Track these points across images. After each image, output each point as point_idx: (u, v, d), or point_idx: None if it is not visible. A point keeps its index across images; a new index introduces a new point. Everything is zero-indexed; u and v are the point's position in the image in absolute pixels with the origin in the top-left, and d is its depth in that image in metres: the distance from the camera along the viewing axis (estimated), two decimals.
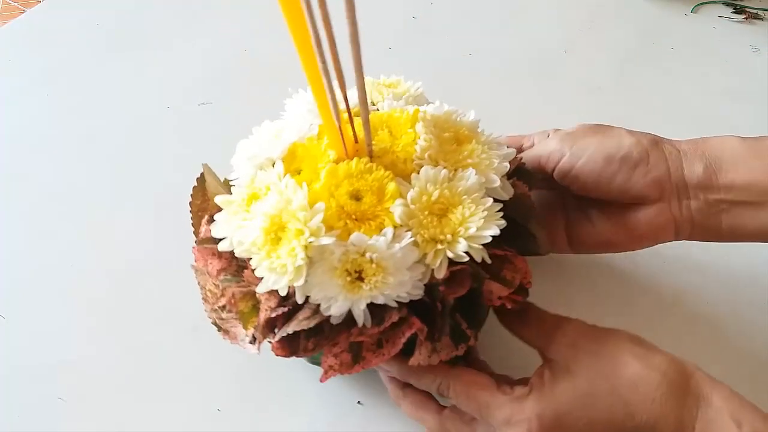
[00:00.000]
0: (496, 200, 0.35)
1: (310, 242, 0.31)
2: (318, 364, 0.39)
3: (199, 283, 0.39)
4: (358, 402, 0.42)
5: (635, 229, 0.39)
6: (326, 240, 0.31)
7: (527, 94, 0.64)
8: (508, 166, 0.36)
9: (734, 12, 0.75)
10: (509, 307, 0.35)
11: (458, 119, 0.38)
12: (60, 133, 0.59)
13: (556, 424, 0.31)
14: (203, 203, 0.40)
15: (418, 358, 0.33)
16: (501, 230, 0.33)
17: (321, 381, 0.33)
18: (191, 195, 0.40)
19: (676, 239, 0.39)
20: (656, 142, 0.38)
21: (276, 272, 0.31)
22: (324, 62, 0.29)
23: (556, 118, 0.62)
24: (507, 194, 0.36)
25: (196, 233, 0.39)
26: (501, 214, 0.34)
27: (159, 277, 0.48)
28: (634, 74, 0.67)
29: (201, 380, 0.43)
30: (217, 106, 0.61)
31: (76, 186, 0.54)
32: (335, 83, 0.31)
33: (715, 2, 0.76)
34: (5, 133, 0.59)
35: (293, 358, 0.35)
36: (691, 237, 0.39)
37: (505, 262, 0.35)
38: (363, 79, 0.30)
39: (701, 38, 0.72)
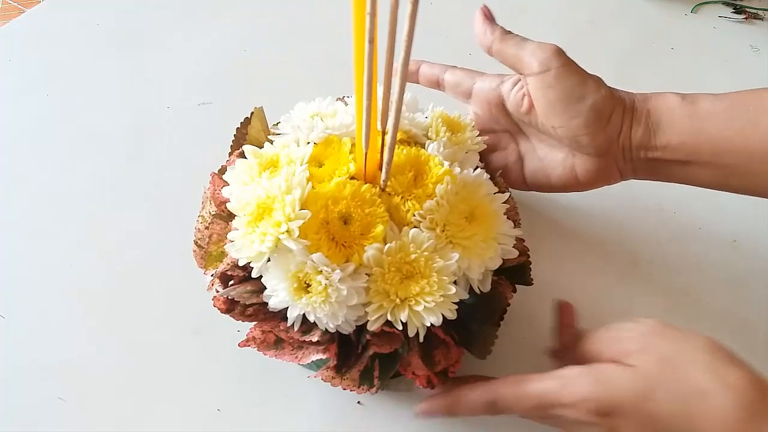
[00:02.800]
0: (472, 291, 0.36)
1: (281, 238, 0.32)
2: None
3: (201, 210, 0.40)
4: (358, 402, 0.42)
5: (583, 177, 0.43)
6: (293, 245, 0.32)
7: None
8: (500, 262, 0.36)
9: (734, 12, 0.75)
10: (417, 384, 0.36)
11: (488, 195, 0.37)
12: (60, 133, 0.59)
13: (614, 409, 0.30)
14: (246, 134, 0.42)
15: (323, 373, 0.35)
16: (458, 318, 0.33)
17: (239, 345, 0.36)
18: (241, 123, 0.42)
19: (620, 182, 0.44)
20: (621, 102, 0.41)
21: (244, 244, 0.33)
22: (370, 88, 0.29)
23: None
24: (483, 289, 0.36)
25: (228, 160, 0.41)
26: (455, 306, 0.33)
27: (159, 277, 0.48)
28: (634, 74, 0.67)
29: (201, 381, 0.43)
30: (217, 106, 0.61)
31: (76, 186, 0.54)
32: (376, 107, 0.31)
33: (715, 2, 0.76)
34: (5, 133, 0.59)
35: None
36: (633, 178, 0.43)
37: (441, 346, 0.36)
38: (399, 118, 0.31)
39: (701, 38, 0.72)
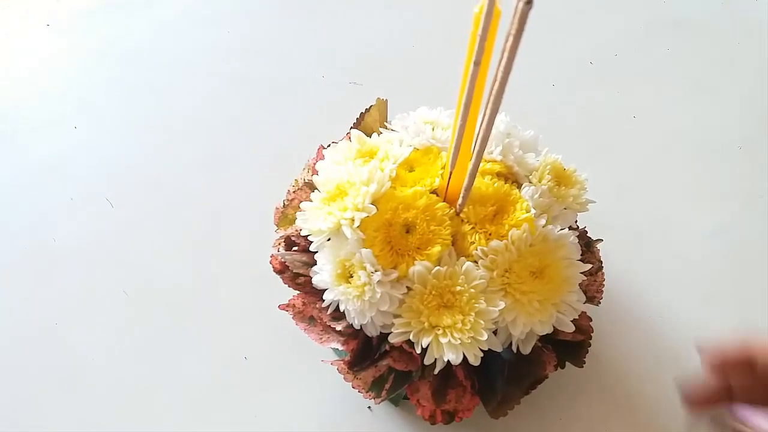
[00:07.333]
0: (509, 348, 0.34)
1: (342, 223, 0.33)
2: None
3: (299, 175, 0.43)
4: (368, 408, 0.42)
5: None
6: (349, 233, 0.32)
7: (684, 181, 0.59)
8: (550, 330, 0.34)
9: None
10: (419, 413, 0.35)
11: (566, 259, 0.34)
12: (214, 72, 0.65)
13: None
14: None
15: (339, 364, 0.36)
16: (482, 365, 0.32)
17: (278, 308, 0.38)
18: (365, 109, 0.43)
19: None
20: None
21: (311, 217, 0.35)
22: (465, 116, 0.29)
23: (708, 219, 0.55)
24: (523, 350, 0.34)
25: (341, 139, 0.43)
26: (481, 354, 0.32)
27: (242, 225, 0.52)
28: None
29: (234, 330, 0.45)
30: (365, 88, 0.63)
31: (201, 115, 0.60)
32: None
33: None
34: (170, 59, 0.66)
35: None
36: None
37: (458, 387, 0.35)
38: (484, 148, 0.30)
39: None
